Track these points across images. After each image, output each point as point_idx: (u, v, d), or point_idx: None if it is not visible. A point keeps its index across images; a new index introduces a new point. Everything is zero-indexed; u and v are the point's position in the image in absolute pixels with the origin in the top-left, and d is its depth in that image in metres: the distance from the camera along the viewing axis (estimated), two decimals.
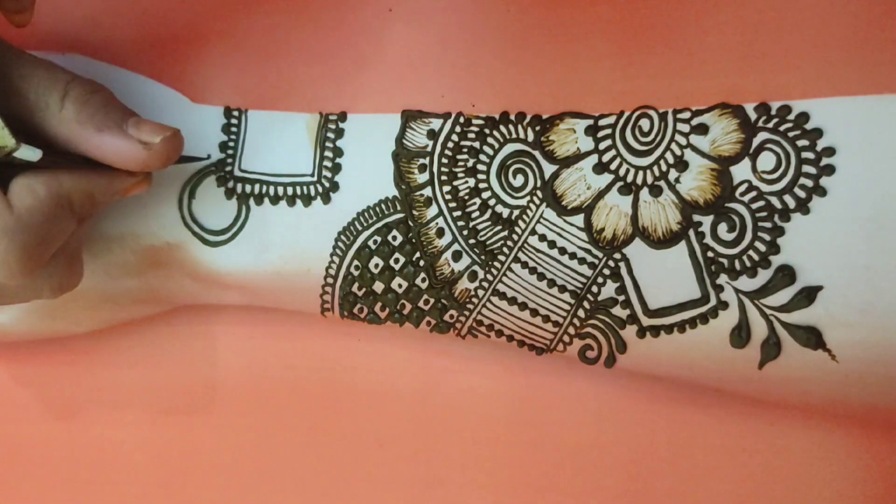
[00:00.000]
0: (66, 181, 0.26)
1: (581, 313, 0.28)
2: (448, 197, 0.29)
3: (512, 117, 0.29)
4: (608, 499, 0.30)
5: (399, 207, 0.29)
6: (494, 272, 0.29)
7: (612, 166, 0.28)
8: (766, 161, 0.26)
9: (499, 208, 0.29)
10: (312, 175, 0.30)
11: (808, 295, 0.25)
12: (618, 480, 0.30)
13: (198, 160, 0.31)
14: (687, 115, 0.27)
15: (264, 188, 0.30)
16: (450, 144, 0.29)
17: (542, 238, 0.28)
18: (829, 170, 0.25)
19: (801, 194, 0.25)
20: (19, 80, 0.26)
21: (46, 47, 0.33)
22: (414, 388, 0.32)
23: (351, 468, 0.32)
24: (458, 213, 0.29)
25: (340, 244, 0.30)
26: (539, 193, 0.28)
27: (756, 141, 0.26)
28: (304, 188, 0.30)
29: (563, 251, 0.28)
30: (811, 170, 0.25)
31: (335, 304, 0.30)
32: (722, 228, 0.27)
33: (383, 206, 0.29)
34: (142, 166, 0.27)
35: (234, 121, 0.31)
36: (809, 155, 0.25)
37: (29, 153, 0.25)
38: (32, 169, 0.25)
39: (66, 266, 0.28)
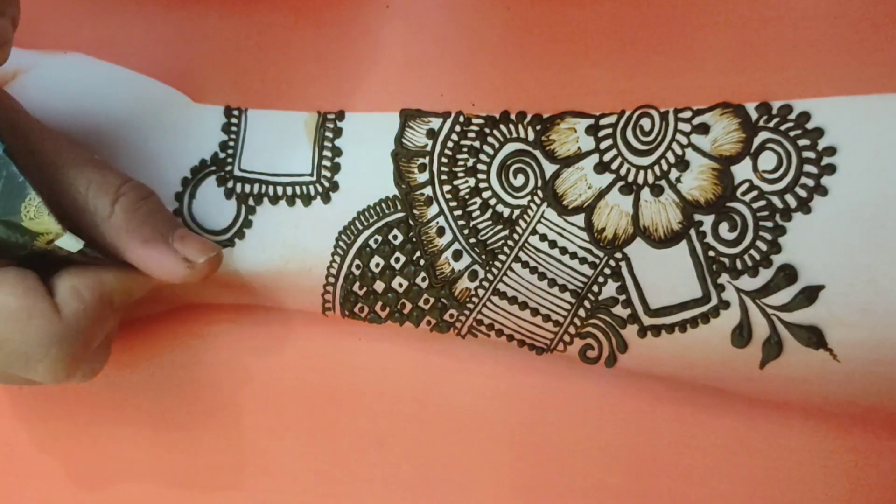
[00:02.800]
0: (108, 281, 0.26)
1: (582, 313, 0.28)
2: (448, 196, 0.29)
3: (512, 116, 0.29)
4: (608, 499, 0.30)
5: (399, 207, 0.29)
6: (495, 271, 0.29)
7: (613, 166, 0.28)
8: (768, 160, 0.26)
9: (499, 208, 0.29)
10: (312, 175, 0.30)
11: (810, 294, 0.25)
12: (618, 480, 0.30)
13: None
14: (688, 114, 0.27)
15: (264, 188, 0.30)
16: (450, 144, 0.29)
17: (543, 238, 0.28)
18: (831, 169, 0.25)
19: (803, 194, 0.25)
20: (72, 178, 0.26)
21: (48, 46, 0.33)
22: (414, 388, 0.32)
23: (351, 468, 0.32)
24: (459, 212, 0.29)
25: (341, 244, 0.30)
26: (540, 193, 0.28)
27: (757, 140, 0.26)
28: (304, 188, 0.30)
29: (563, 251, 0.28)
30: (812, 169, 0.25)
31: (336, 304, 0.30)
32: (723, 228, 0.26)
33: (384, 206, 0.29)
34: (181, 281, 0.27)
35: (234, 120, 0.31)
36: (810, 154, 0.25)
37: (72, 242, 0.25)
38: (73, 266, 0.26)
39: (101, 356, 0.29)
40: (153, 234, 0.27)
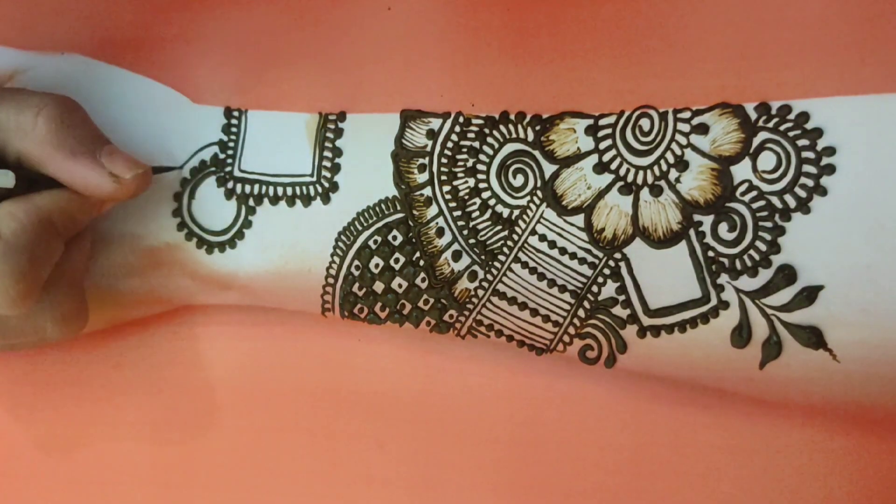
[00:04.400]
0: (43, 203, 0.26)
1: (581, 313, 0.28)
2: (448, 197, 0.29)
3: (512, 117, 0.29)
4: (608, 499, 0.30)
5: (399, 207, 0.29)
6: (494, 272, 0.29)
7: (613, 166, 0.28)
8: (767, 161, 0.26)
9: (499, 208, 0.29)
10: (312, 175, 0.30)
11: (810, 294, 0.25)
12: (618, 480, 0.30)
13: (167, 170, 0.31)
14: (687, 114, 0.27)
15: (264, 188, 0.30)
16: (449, 144, 0.29)
17: (543, 238, 0.28)
18: (830, 169, 0.25)
19: (802, 194, 0.25)
20: None
21: (46, 47, 0.33)
22: (413, 389, 0.32)
23: (350, 468, 0.32)
24: (458, 212, 0.29)
25: (341, 244, 0.30)
26: (539, 193, 0.28)
27: (756, 140, 0.26)
28: (304, 188, 0.30)
29: (563, 251, 0.28)
30: (812, 169, 0.25)
31: (336, 305, 0.30)
32: (722, 228, 0.26)
33: (383, 206, 0.29)
34: (107, 197, 0.27)
35: (234, 121, 0.31)
36: (810, 154, 0.25)
37: (3, 179, 0.25)
38: (7, 197, 0.26)
39: (67, 296, 0.28)
40: (79, 147, 0.26)
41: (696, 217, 0.27)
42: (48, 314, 0.27)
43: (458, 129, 0.29)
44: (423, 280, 0.29)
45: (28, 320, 0.27)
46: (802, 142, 0.25)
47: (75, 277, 0.29)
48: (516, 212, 0.28)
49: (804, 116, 0.25)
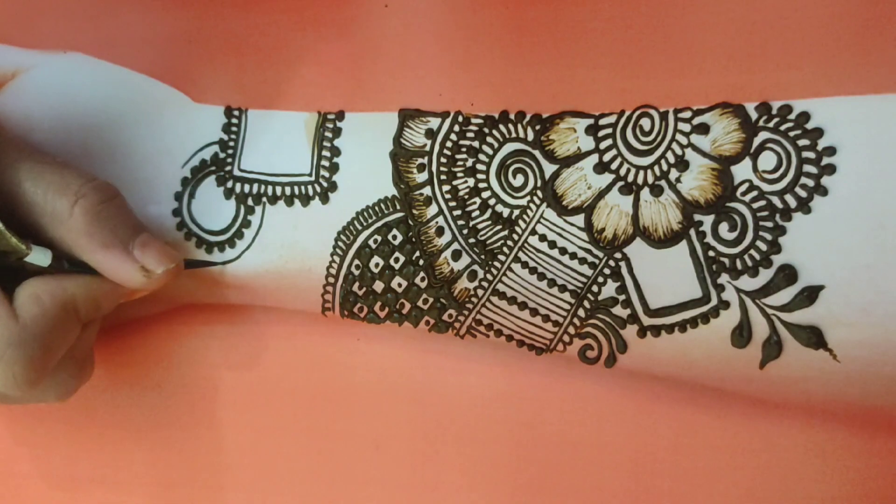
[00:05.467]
0: (71, 288, 0.26)
1: (581, 313, 0.28)
2: (448, 196, 0.29)
3: (511, 116, 0.29)
4: (608, 499, 0.30)
5: (399, 206, 0.29)
6: (494, 272, 0.29)
7: (613, 166, 0.28)
8: (767, 160, 0.26)
9: (499, 208, 0.29)
10: (310, 175, 0.30)
11: (810, 294, 0.25)
12: (618, 480, 0.30)
13: (204, 264, 0.30)
14: (688, 114, 0.27)
15: (263, 188, 0.30)
16: (448, 144, 0.29)
17: (543, 238, 0.28)
18: (831, 169, 0.25)
19: (803, 194, 0.25)
20: (32, 181, 0.26)
21: (48, 46, 0.33)
22: (413, 388, 0.32)
23: (349, 468, 0.32)
24: (458, 212, 0.29)
25: (341, 243, 0.30)
26: (539, 193, 0.28)
27: (757, 140, 0.26)
28: (303, 188, 0.30)
29: (563, 251, 0.28)
30: (812, 169, 0.25)
31: (335, 304, 0.30)
32: (723, 228, 0.26)
33: (383, 206, 0.29)
34: (138, 289, 0.27)
35: (234, 120, 0.31)
36: (810, 154, 0.25)
37: (40, 257, 0.25)
38: (39, 275, 0.26)
39: (74, 372, 0.28)
40: (112, 239, 0.26)
41: (697, 217, 0.27)
42: (52, 390, 0.28)
43: (457, 128, 0.29)
44: (422, 279, 0.29)
45: (30, 394, 0.27)
46: (803, 142, 0.25)
47: (85, 353, 0.29)
48: (516, 211, 0.28)
49: (805, 116, 0.25)
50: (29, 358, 0.25)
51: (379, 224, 0.29)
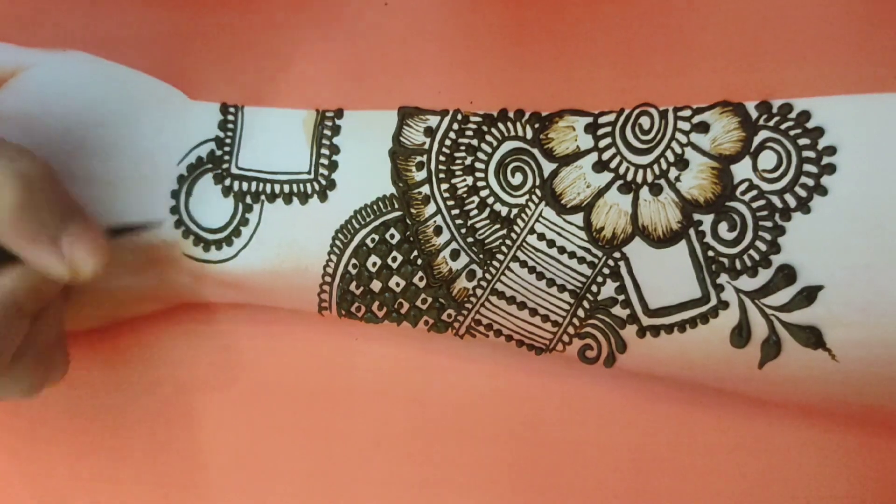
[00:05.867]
0: (7, 283, 0.25)
1: (580, 313, 0.28)
2: (446, 195, 0.29)
3: (510, 114, 0.29)
4: (608, 499, 0.30)
5: (397, 205, 0.29)
6: (493, 271, 0.29)
7: (612, 164, 0.28)
8: (767, 160, 0.26)
9: (497, 207, 0.29)
10: (309, 172, 0.30)
11: (809, 294, 0.25)
12: (618, 480, 0.30)
13: (141, 228, 0.29)
14: (688, 113, 0.27)
15: (261, 186, 0.30)
16: (447, 142, 0.29)
17: (541, 237, 0.28)
18: (831, 169, 0.25)
19: (802, 193, 0.25)
20: None
21: (48, 44, 0.33)
22: (411, 388, 0.32)
23: (348, 468, 0.32)
24: (457, 211, 0.29)
25: (338, 242, 0.29)
26: (538, 192, 0.28)
27: (757, 139, 0.26)
28: (301, 186, 0.30)
29: (562, 250, 0.28)
30: (812, 169, 0.25)
31: (333, 303, 0.30)
32: (722, 227, 0.26)
33: (381, 204, 0.29)
34: (67, 282, 0.26)
35: (230, 117, 0.31)
36: (810, 154, 0.25)
37: None
38: None
39: (36, 367, 0.27)
40: (40, 231, 0.24)
41: (696, 216, 0.27)
42: (16, 386, 0.27)
43: (456, 126, 0.29)
44: (420, 279, 0.29)
45: None
46: (803, 141, 0.25)
47: (45, 349, 0.28)
48: (515, 210, 0.28)
49: (805, 115, 0.25)
50: None
51: (377, 223, 0.29)
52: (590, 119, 0.28)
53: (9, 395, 0.27)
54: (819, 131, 0.25)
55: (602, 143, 0.28)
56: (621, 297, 0.27)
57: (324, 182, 0.30)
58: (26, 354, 0.27)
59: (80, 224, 0.26)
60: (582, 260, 0.28)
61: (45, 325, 0.28)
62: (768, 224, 0.26)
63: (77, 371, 0.35)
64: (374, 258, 0.29)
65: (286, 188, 0.30)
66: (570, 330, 0.28)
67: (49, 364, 0.28)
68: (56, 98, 0.30)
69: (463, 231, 0.29)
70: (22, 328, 0.26)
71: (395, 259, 0.29)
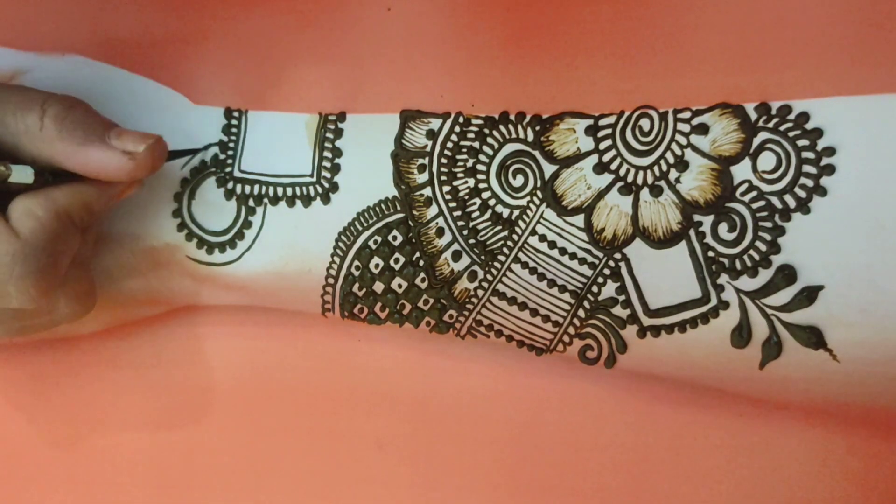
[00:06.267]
0: (59, 197, 0.26)
1: (581, 313, 0.28)
2: (448, 197, 0.29)
3: (512, 117, 0.29)
4: (608, 499, 0.30)
5: (399, 207, 0.29)
6: (494, 272, 0.29)
7: (613, 166, 0.28)
8: (767, 161, 0.26)
9: (499, 208, 0.29)
10: (312, 175, 0.30)
11: (809, 294, 0.25)
12: (618, 480, 0.30)
13: (192, 153, 0.31)
14: (687, 114, 0.27)
15: (264, 189, 0.30)
16: (449, 144, 0.29)
17: (543, 238, 0.28)
18: (830, 169, 0.25)
19: (802, 194, 0.25)
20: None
21: (46, 48, 0.33)
22: (413, 389, 0.32)
23: (350, 469, 0.32)
24: (458, 212, 0.29)
25: (341, 244, 0.30)
26: (539, 193, 0.28)
27: (756, 141, 0.26)
28: (304, 189, 0.30)
29: (563, 251, 0.28)
30: (812, 169, 0.25)
31: (336, 305, 0.30)
32: (722, 228, 0.26)
33: (383, 207, 0.29)
34: (128, 176, 0.27)
35: (234, 122, 0.31)
36: (810, 155, 0.25)
37: (22, 175, 0.26)
38: (25, 192, 0.26)
39: (78, 279, 0.28)
40: (88, 136, 0.26)
41: (696, 217, 0.27)
42: (61, 296, 0.28)
43: (457, 129, 0.29)
44: (422, 280, 0.29)
45: (43, 308, 0.27)
46: (802, 142, 0.25)
47: (86, 260, 0.29)
48: (516, 212, 0.28)
49: (804, 116, 0.25)
50: (38, 269, 0.25)
51: (379, 225, 0.29)
52: (590, 121, 0.28)
53: (63, 316, 0.28)
54: (818, 132, 0.25)
55: (602, 145, 0.28)
56: (622, 298, 0.28)
57: (326, 185, 0.30)
58: (71, 267, 0.28)
59: (121, 127, 0.27)
60: (583, 261, 0.28)
61: (86, 246, 0.29)
62: (768, 224, 0.26)
63: (80, 373, 0.35)
64: (376, 260, 0.30)
65: (289, 191, 0.30)
66: (571, 330, 0.28)
67: (85, 285, 0.29)
68: None
69: (465, 232, 0.29)
70: (76, 240, 0.27)
71: (397, 261, 0.29)
